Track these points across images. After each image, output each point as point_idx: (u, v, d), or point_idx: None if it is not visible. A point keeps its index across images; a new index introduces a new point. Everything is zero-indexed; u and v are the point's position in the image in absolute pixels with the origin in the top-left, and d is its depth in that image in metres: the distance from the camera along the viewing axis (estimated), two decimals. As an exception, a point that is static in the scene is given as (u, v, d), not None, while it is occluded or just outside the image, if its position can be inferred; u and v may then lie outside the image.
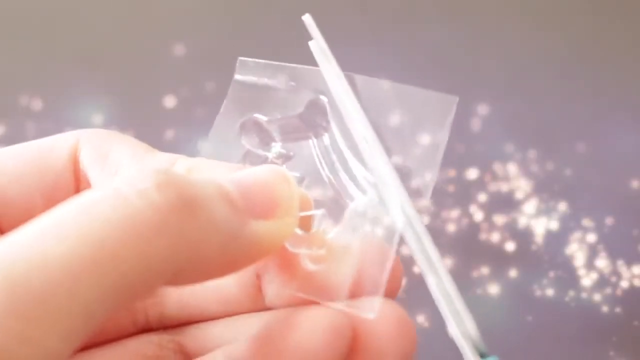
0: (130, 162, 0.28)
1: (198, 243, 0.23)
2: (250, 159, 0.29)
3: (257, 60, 0.30)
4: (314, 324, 0.24)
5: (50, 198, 0.28)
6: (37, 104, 0.58)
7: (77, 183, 0.29)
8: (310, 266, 0.27)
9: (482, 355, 0.25)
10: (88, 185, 0.29)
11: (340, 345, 0.24)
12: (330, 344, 0.24)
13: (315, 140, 0.29)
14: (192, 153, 0.57)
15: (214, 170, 0.28)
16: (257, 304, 0.28)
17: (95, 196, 0.22)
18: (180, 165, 0.29)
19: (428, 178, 0.28)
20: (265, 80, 0.29)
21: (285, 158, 0.29)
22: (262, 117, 0.29)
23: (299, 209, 0.26)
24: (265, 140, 0.29)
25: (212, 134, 0.29)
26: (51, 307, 0.20)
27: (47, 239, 0.21)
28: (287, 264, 0.27)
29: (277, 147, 0.29)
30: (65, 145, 0.29)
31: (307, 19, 0.30)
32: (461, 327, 0.25)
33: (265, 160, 0.29)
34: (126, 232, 0.21)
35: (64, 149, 0.29)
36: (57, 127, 0.56)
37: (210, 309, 0.29)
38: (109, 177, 0.28)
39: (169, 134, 0.56)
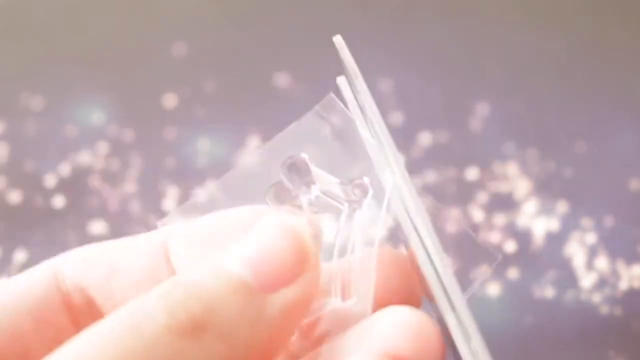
0: (127, 268, 0.28)
1: (222, 356, 0.23)
2: (275, 193, 0.28)
3: (345, 108, 0.29)
4: None
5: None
6: (37, 102, 0.58)
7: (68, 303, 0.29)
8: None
9: None
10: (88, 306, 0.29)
11: None
12: None
13: (346, 211, 0.28)
14: (192, 152, 0.57)
15: (212, 246, 0.27)
16: None
17: (110, 325, 0.22)
18: (174, 245, 0.28)
19: None
20: (337, 130, 0.28)
21: (311, 210, 0.28)
22: (311, 164, 0.28)
23: (318, 259, 0.25)
24: (306, 183, 0.28)
25: (264, 149, 0.28)
26: None
27: None
28: None
29: (315, 192, 0.28)
30: (44, 283, 0.29)
31: (338, 40, 0.28)
32: None
33: (290, 199, 0.28)
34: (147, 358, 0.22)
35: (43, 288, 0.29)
36: (58, 125, 0.56)
37: None
38: (95, 271, 0.28)
39: (169, 132, 0.56)
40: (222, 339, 0.23)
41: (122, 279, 0.28)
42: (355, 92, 0.28)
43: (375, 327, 0.24)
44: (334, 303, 0.26)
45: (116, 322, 0.22)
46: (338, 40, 0.28)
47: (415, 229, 0.26)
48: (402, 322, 0.24)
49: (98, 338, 0.22)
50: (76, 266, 0.29)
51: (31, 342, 0.27)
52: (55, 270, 0.29)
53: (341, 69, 0.29)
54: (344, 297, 0.26)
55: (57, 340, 0.26)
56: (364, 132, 0.28)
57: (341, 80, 0.29)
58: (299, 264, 0.24)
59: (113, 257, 0.29)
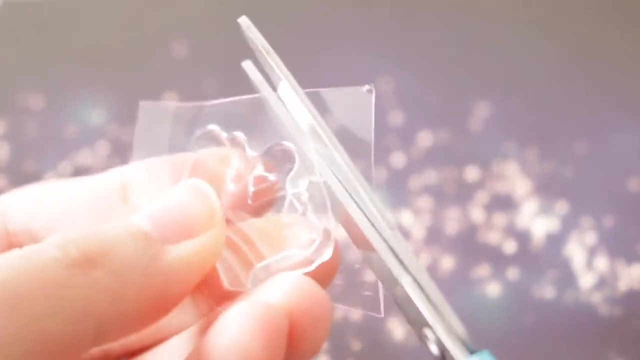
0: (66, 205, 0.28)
1: (112, 292, 0.22)
2: (203, 141, 0.28)
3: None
4: (242, 322, 0.23)
5: None
6: (38, 101, 0.58)
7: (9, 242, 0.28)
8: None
9: (471, 352, 0.24)
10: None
11: (275, 337, 0.23)
12: (264, 338, 0.23)
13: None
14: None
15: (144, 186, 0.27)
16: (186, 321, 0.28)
17: (4, 256, 0.22)
18: (132, 185, 0.28)
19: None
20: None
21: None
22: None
23: (223, 219, 0.25)
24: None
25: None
26: None
27: None
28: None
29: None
30: None
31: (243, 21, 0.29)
32: (447, 326, 0.24)
33: (219, 143, 0.28)
34: (34, 288, 0.21)
35: None
36: (58, 125, 0.57)
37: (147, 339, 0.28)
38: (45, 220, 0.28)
39: (169, 132, 0.56)
40: (113, 274, 0.23)
41: (72, 222, 0.28)
42: (269, 69, 0.28)
43: (263, 287, 0.25)
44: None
45: (10, 254, 0.22)
46: (244, 21, 0.28)
47: (353, 198, 0.26)
48: (285, 282, 0.24)
49: None
50: (25, 208, 0.28)
51: None
52: (2, 210, 0.28)
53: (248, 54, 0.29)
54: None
55: None
56: (278, 109, 0.28)
57: (247, 65, 0.29)
58: (202, 220, 0.25)
59: (63, 199, 0.28)
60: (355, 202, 0.26)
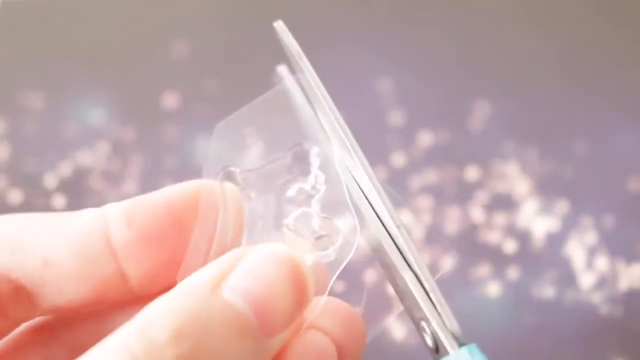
0: (49, 239, 0.26)
1: None
2: (226, 175, 0.28)
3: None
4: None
5: None
6: (38, 101, 0.58)
7: None
8: None
9: (461, 345, 0.25)
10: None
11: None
12: None
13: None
14: (192, 151, 0.57)
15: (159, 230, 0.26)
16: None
17: (107, 356, 0.21)
18: (115, 224, 0.26)
19: None
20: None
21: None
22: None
23: (312, 295, 0.24)
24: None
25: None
26: None
27: None
28: None
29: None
30: None
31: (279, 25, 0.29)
32: (441, 320, 0.25)
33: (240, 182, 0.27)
34: None
35: None
36: (58, 124, 0.56)
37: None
38: (26, 262, 0.26)
39: (170, 131, 0.56)
40: None
41: (54, 270, 0.26)
42: (302, 78, 0.28)
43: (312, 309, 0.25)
44: None
45: (130, 344, 0.21)
46: (280, 25, 0.28)
47: (389, 232, 0.27)
48: (339, 312, 0.25)
49: None
50: (3, 257, 0.26)
51: None
52: None
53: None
54: None
55: None
56: (314, 122, 0.28)
57: (282, 69, 0.29)
58: (301, 307, 0.24)
59: (44, 246, 0.26)
60: (368, 200, 0.27)
